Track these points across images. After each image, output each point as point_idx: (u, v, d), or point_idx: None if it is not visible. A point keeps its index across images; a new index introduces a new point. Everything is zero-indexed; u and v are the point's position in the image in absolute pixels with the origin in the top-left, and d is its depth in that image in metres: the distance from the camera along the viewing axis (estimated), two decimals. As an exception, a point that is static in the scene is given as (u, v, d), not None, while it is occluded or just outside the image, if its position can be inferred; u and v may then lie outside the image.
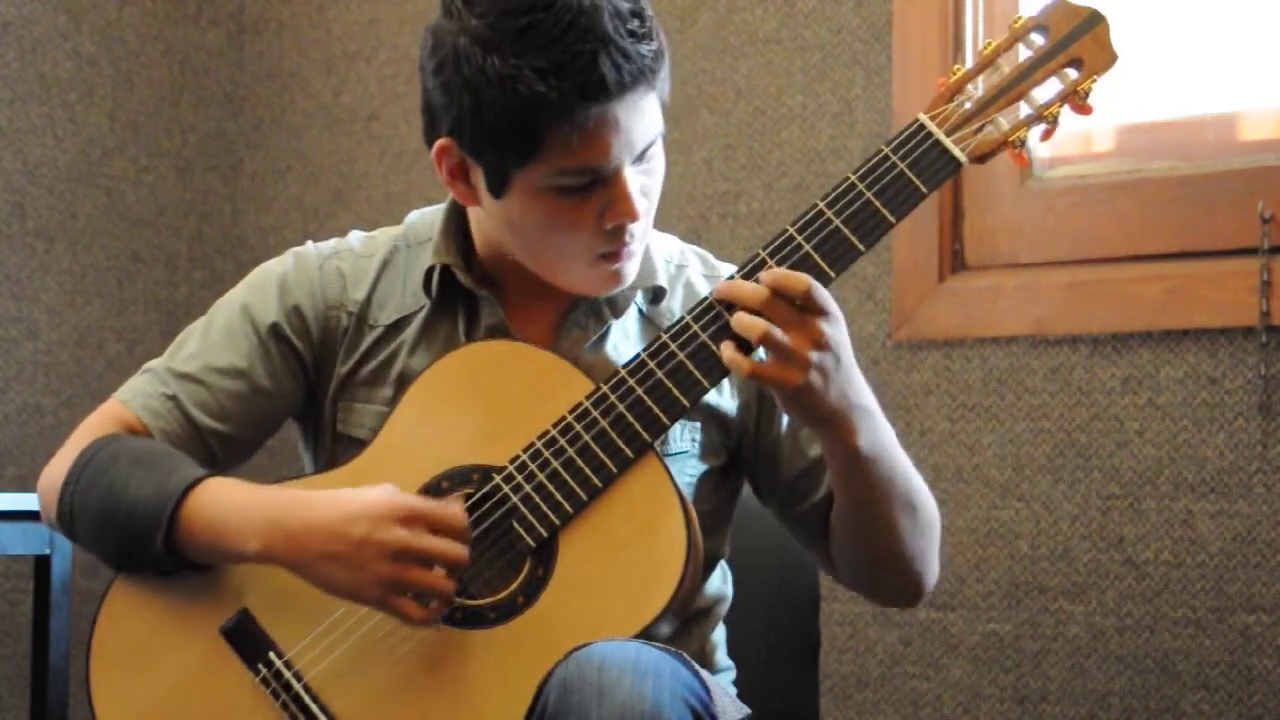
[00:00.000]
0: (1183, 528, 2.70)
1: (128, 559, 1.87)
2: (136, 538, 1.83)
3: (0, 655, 3.42)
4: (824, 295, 1.76)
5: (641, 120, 1.81)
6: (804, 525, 1.98)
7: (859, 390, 1.80)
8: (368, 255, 2.00)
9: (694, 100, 3.19)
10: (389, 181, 3.60)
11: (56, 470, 1.93)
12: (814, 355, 1.74)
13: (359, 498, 1.76)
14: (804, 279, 1.74)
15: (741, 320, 1.75)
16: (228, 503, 1.81)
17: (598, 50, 1.74)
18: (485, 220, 1.91)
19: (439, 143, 1.85)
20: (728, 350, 1.76)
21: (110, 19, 3.63)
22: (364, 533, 1.73)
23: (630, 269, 1.88)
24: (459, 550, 1.74)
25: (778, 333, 1.73)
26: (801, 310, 1.74)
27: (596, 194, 1.80)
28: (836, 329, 1.76)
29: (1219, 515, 2.67)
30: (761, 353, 1.77)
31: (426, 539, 1.73)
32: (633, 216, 1.82)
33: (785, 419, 1.95)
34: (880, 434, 1.84)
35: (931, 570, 1.95)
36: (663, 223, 2.74)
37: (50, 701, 2.83)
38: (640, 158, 1.83)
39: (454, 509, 1.76)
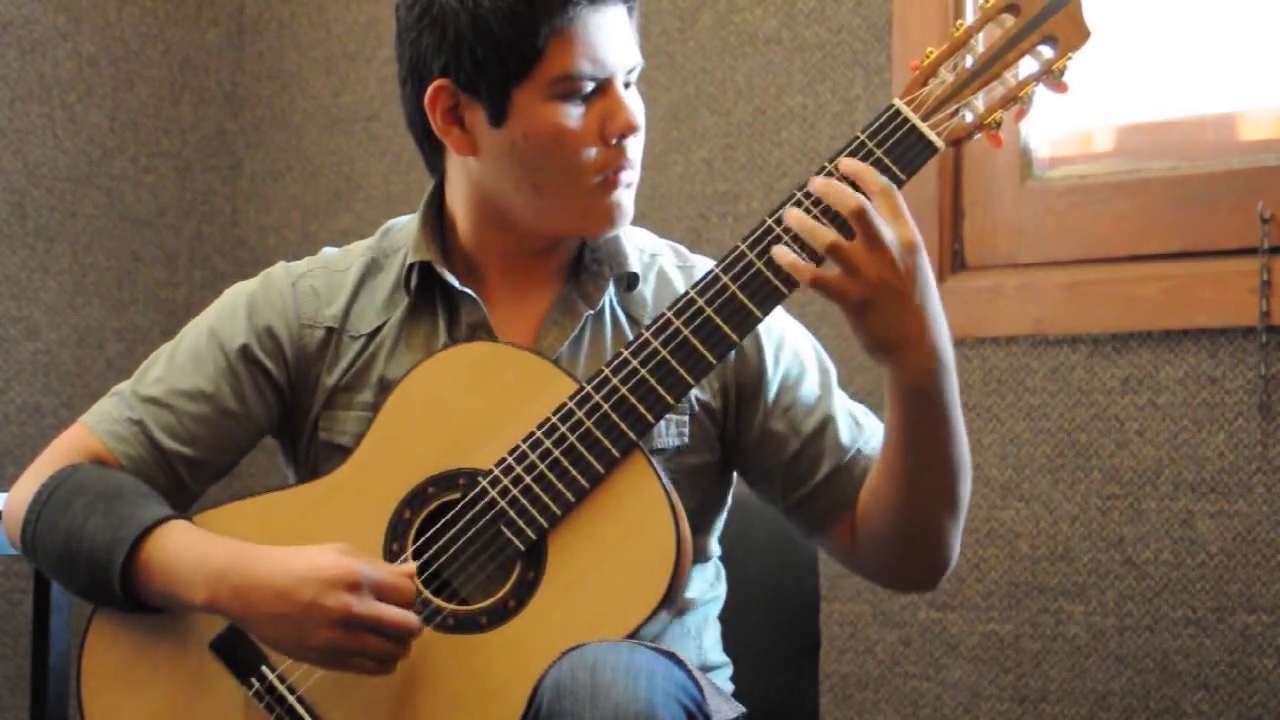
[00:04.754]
0: (1183, 528, 2.70)
1: (94, 600, 1.88)
2: (96, 583, 1.84)
3: (0, 655, 3.42)
4: (907, 218, 1.74)
5: (628, 36, 1.89)
6: (807, 510, 1.95)
7: (934, 329, 1.76)
8: (343, 269, 2.00)
9: (694, 100, 3.19)
10: (389, 181, 3.59)
11: (18, 501, 1.93)
12: (879, 274, 1.71)
13: (310, 560, 1.75)
14: (880, 180, 1.73)
15: (806, 224, 1.74)
16: (180, 551, 1.81)
17: None
18: (479, 174, 1.92)
19: (433, 87, 1.89)
20: (787, 256, 1.75)
21: (110, 19, 3.63)
22: (311, 597, 1.73)
23: (626, 202, 1.91)
24: (405, 618, 1.74)
25: (845, 245, 1.72)
26: (885, 225, 1.72)
27: (596, 105, 1.86)
28: (914, 258, 1.73)
29: (1219, 515, 2.67)
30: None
31: (373, 606, 1.73)
32: (631, 126, 1.87)
33: (771, 397, 1.94)
34: (947, 382, 1.80)
35: (956, 548, 1.91)
36: (663, 223, 2.75)
37: (50, 701, 2.82)
38: (627, 85, 1.89)
39: (403, 578, 1.75)
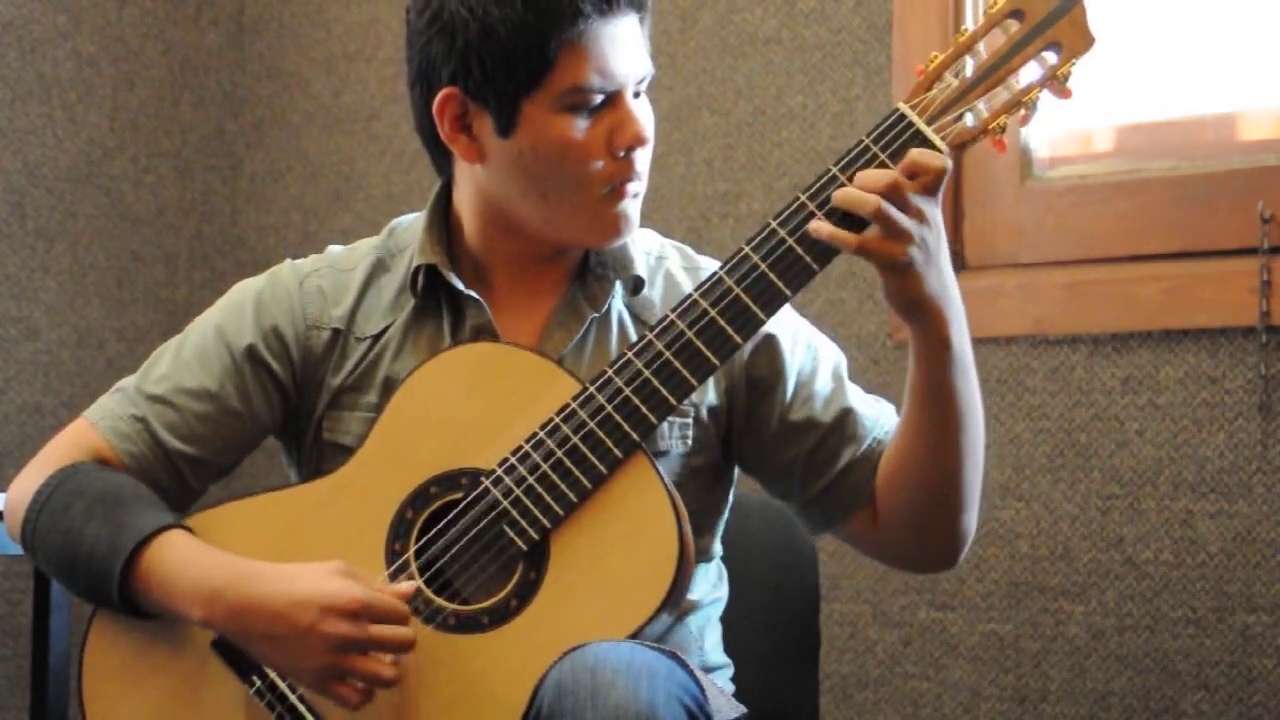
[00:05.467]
0: (1183, 528, 2.70)
1: (93, 603, 1.88)
2: (94, 589, 1.84)
3: (0, 655, 3.42)
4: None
5: (639, 46, 1.87)
6: (827, 501, 1.95)
7: (953, 285, 1.80)
8: (349, 269, 1.99)
9: (694, 100, 3.19)
10: (389, 181, 3.59)
11: (19, 496, 1.93)
12: (917, 230, 1.74)
13: (309, 583, 1.75)
14: (944, 160, 1.75)
15: (851, 196, 1.75)
16: (178, 565, 1.81)
17: None
18: (485, 181, 1.92)
19: (441, 94, 1.88)
20: (828, 227, 1.76)
21: (110, 19, 3.63)
22: (309, 622, 1.72)
23: (633, 213, 1.91)
24: (402, 635, 1.74)
25: (889, 207, 1.73)
26: (919, 192, 1.75)
27: (605, 117, 1.85)
28: (934, 211, 1.76)
29: (1219, 515, 2.67)
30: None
31: (371, 630, 1.73)
32: (640, 139, 1.87)
33: (790, 389, 1.94)
34: (967, 340, 1.84)
35: (974, 526, 1.92)
36: (663, 223, 2.75)
37: (50, 702, 2.83)
38: (637, 94, 1.88)
39: (400, 600, 1.75)
